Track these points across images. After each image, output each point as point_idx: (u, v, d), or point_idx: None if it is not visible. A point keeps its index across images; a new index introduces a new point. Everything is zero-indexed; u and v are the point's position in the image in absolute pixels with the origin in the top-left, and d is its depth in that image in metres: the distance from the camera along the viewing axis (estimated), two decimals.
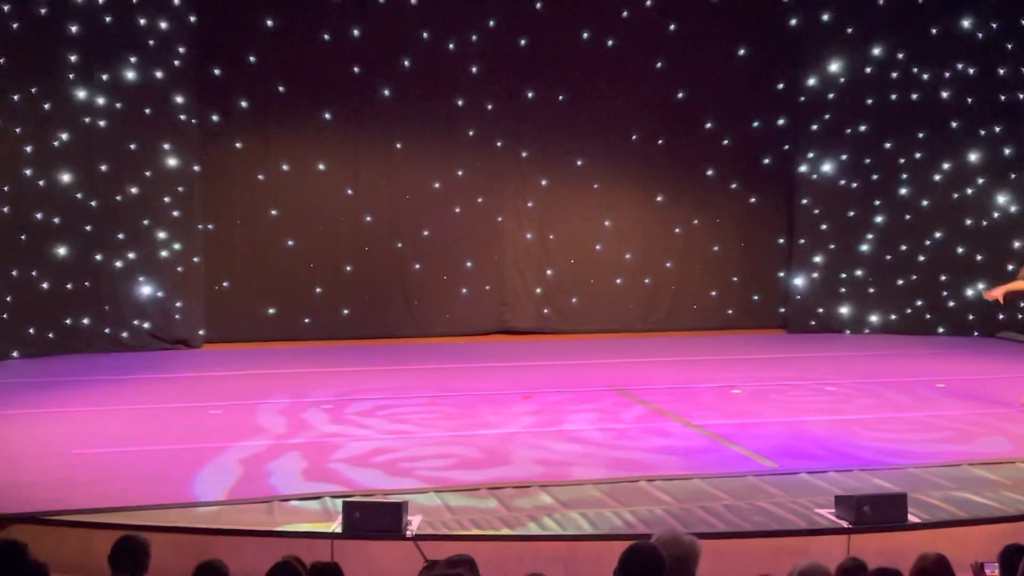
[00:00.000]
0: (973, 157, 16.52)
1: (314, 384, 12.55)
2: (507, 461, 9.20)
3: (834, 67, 16.73)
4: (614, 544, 4.56)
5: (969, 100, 16.48)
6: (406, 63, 15.98)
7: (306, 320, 16.03)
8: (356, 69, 15.85)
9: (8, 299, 14.20)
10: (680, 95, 16.76)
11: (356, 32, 15.82)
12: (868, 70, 16.66)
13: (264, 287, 15.95)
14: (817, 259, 17.06)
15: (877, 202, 16.87)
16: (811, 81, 16.84)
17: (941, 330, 16.73)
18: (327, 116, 15.87)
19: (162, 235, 15.19)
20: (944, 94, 16.53)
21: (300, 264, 15.94)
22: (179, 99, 15.13)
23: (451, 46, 16.11)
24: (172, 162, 15.18)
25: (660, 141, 16.79)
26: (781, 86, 16.98)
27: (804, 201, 17.08)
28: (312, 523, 7.38)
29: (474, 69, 16.19)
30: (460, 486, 8.36)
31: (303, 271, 15.95)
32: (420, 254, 16.34)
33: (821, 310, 17.10)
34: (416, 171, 16.25)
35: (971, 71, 16.42)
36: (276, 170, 15.87)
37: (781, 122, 17.10)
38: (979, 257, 16.52)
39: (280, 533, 7.18)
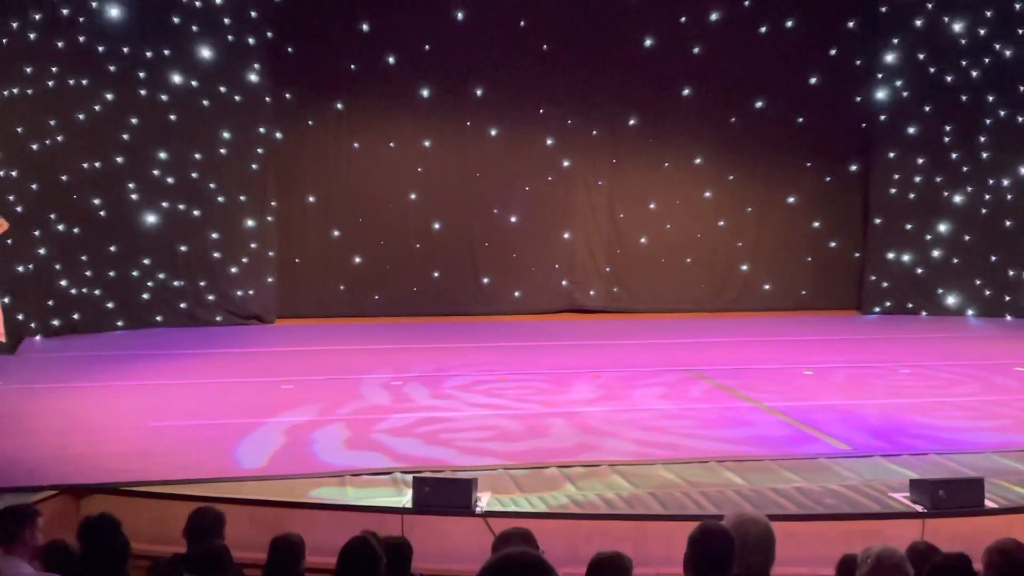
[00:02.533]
0: None
1: (383, 361, 12.63)
2: (574, 440, 9.19)
3: (911, 43, 16.37)
4: (684, 525, 4.53)
5: None
6: (427, 47, 15.94)
7: (376, 297, 16.14)
8: (438, 48, 15.86)
9: (111, 274, 14.57)
10: (755, 73, 16.51)
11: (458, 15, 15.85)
12: (947, 47, 16.28)
13: (335, 264, 16.09)
14: (893, 240, 16.76)
15: (956, 182, 16.51)
16: (889, 58, 16.51)
17: (1020, 312, 16.35)
18: (425, 94, 15.89)
19: (236, 212, 15.37)
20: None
21: (371, 241, 16.04)
22: (253, 76, 15.27)
23: (522, 23, 16.04)
24: (246, 139, 15.34)
25: (733, 119, 16.59)
26: (859, 63, 16.67)
27: (881, 180, 16.77)
28: (384, 498, 7.44)
29: (545, 47, 16.13)
30: (530, 464, 8.37)
31: (374, 248, 16.05)
32: (490, 232, 16.35)
33: (897, 291, 16.81)
34: (487, 149, 16.25)
35: None
36: (348, 147, 15.98)
37: (858, 99, 16.78)
38: None
39: (352, 507, 7.25)
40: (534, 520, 7.01)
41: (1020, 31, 16.12)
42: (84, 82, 14.19)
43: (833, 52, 16.56)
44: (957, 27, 16.23)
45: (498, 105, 16.13)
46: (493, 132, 16.22)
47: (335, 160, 15.98)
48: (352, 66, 15.75)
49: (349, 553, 4.84)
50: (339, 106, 15.88)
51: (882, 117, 16.68)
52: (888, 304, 16.81)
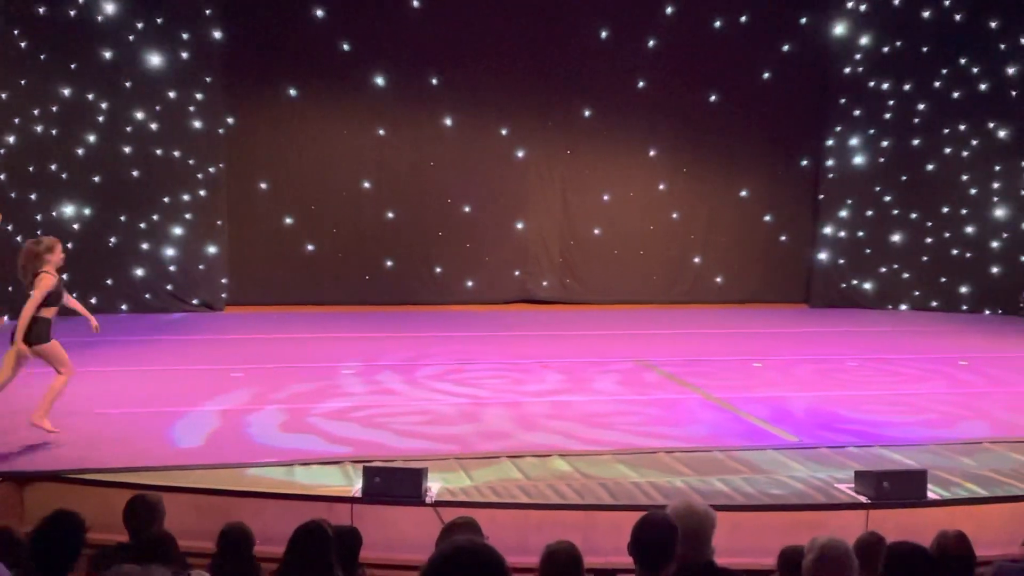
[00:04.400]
0: (1002, 134, 16.37)
1: (342, 349, 12.58)
2: (526, 429, 9.22)
3: (865, 40, 16.57)
4: (632, 515, 4.56)
5: (1010, 71, 16.32)
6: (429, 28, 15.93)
7: (328, 285, 16.06)
8: (395, 39, 15.79)
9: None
10: (709, 67, 16.61)
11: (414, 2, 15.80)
12: (899, 44, 16.48)
13: (287, 252, 15.99)
14: (842, 235, 16.97)
15: (903, 177, 16.74)
16: (841, 53, 16.68)
17: (964, 307, 16.64)
18: (380, 82, 15.80)
19: (186, 198, 15.24)
20: (974, 70, 16.36)
21: (323, 229, 15.96)
22: (208, 66, 15.13)
23: (479, 12, 16.01)
24: (197, 125, 15.20)
25: (688, 114, 16.68)
26: (812, 62, 16.81)
27: (831, 176, 16.97)
28: (332, 487, 7.42)
29: (504, 37, 16.10)
30: (480, 454, 8.39)
31: (327, 236, 15.97)
32: (443, 221, 16.33)
33: (844, 285, 17.03)
34: (441, 140, 16.22)
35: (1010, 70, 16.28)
36: (301, 134, 15.87)
37: (810, 97, 16.93)
38: (1005, 235, 16.41)
39: (301, 496, 7.22)
40: (484, 510, 7.02)
41: (993, 24, 16.36)
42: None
43: (786, 48, 16.68)
44: (905, 32, 16.45)
45: (453, 95, 16.09)
46: (448, 122, 16.18)
47: (287, 147, 15.87)
48: (306, 53, 15.63)
49: (300, 536, 4.81)
50: (292, 92, 15.76)
51: (834, 115, 16.86)
52: (835, 299, 17.00)
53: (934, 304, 16.65)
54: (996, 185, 16.55)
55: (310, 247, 15.95)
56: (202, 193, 15.33)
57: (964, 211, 16.65)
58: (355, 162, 16.01)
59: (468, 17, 15.94)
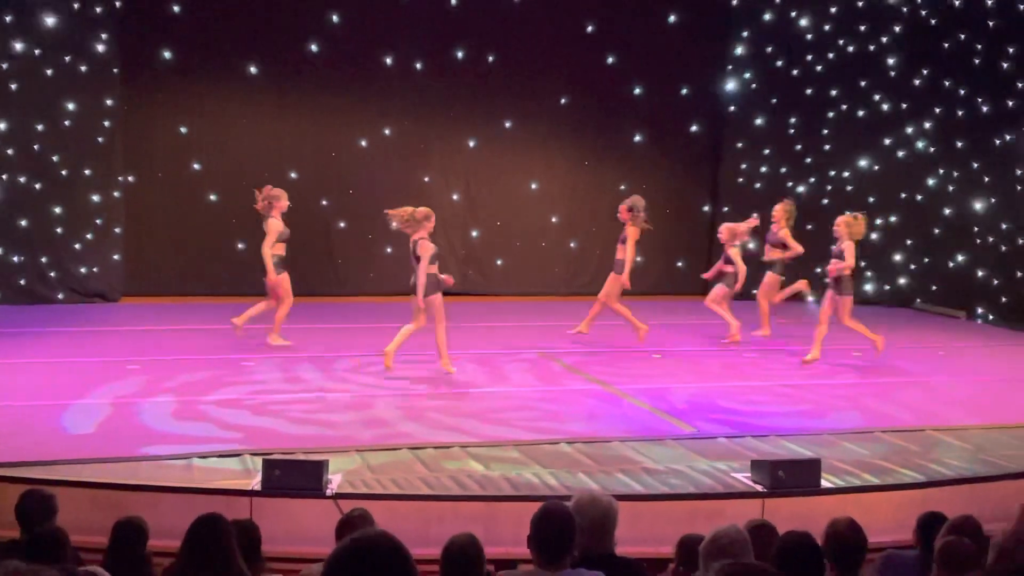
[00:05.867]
0: (896, 129, 16.82)
1: (243, 340, 12.41)
2: (427, 421, 9.21)
3: (761, 36, 16.88)
4: (534, 505, 4.59)
5: (892, 73, 16.77)
6: (335, 18, 15.75)
7: (227, 276, 15.80)
8: (283, 23, 15.59)
9: None
10: (610, 60, 16.76)
11: None
12: (795, 40, 16.83)
13: (185, 242, 15.70)
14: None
15: (801, 171, 17.12)
16: (739, 50, 16.97)
17: (859, 300, 17.04)
18: (253, 70, 15.60)
19: (81, 186, 14.86)
20: (870, 65, 16.79)
21: (222, 219, 15.70)
22: (100, 46, 14.76)
23: (380, 2, 15.91)
24: (92, 112, 14.82)
25: (588, 106, 16.79)
26: (710, 54, 17.06)
27: (729, 169, 17.26)
28: (231, 480, 7.33)
29: (403, 27, 16.01)
30: (381, 446, 8.36)
31: (226, 226, 15.71)
32: (345, 212, 16.19)
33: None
34: (342, 129, 16.08)
35: (896, 44, 16.71)
36: (199, 123, 15.58)
37: (709, 90, 17.19)
38: (898, 228, 16.87)
39: (199, 489, 7.12)
40: (386, 502, 7.01)
41: (862, 27, 16.77)
42: None
43: (686, 46, 16.89)
44: (803, 22, 16.80)
45: (355, 85, 15.94)
46: (349, 112, 16.03)
47: (186, 135, 15.56)
48: (205, 39, 15.34)
49: (197, 530, 4.74)
50: (191, 79, 15.45)
51: (731, 108, 17.15)
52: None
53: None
54: (896, 189, 16.96)
55: (208, 237, 15.67)
56: (89, 174, 14.90)
57: (860, 205, 17.02)
58: (255, 151, 15.76)
59: (372, 1, 15.83)
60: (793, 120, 17.07)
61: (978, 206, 16.59)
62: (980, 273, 16.43)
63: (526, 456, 8.20)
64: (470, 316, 14.79)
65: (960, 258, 16.57)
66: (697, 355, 12.51)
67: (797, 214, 14.08)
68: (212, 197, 15.64)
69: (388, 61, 16.03)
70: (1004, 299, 16.32)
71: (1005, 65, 16.30)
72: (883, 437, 9.12)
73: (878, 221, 16.99)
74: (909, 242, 16.97)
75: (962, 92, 16.54)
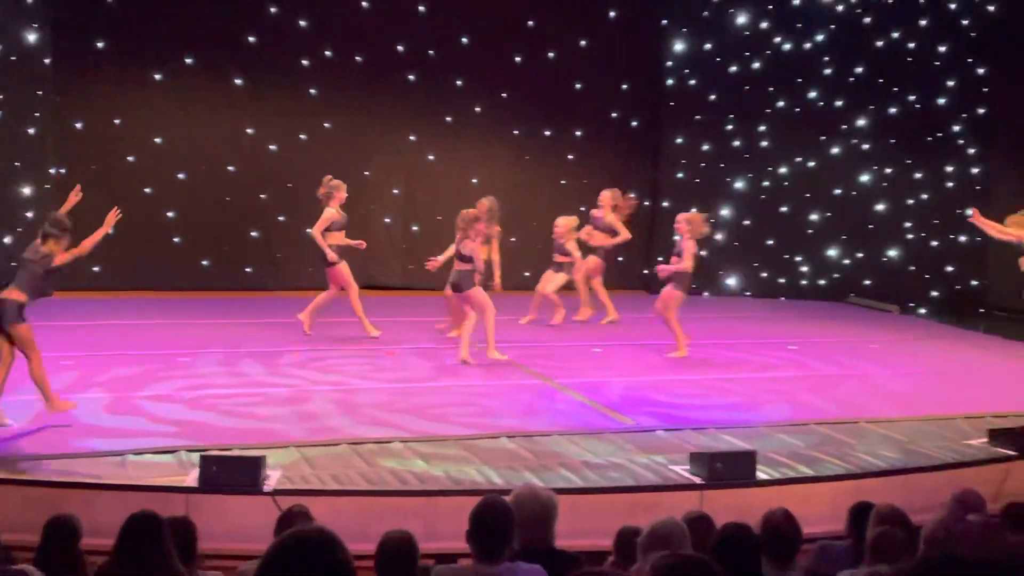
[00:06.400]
0: (829, 127, 17.07)
1: (180, 335, 12.26)
2: (366, 416, 9.18)
3: (698, 33, 17.02)
4: (474, 500, 4.60)
5: (827, 72, 17.01)
6: (273, 10, 15.61)
7: (165, 271, 15.60)
8: (221, 14, 15.41)
9: None
10: (550, 55, 16.79)
11: None
12: (731, 37, 17.00)
13: (121, 235, 15.44)
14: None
15: (738, 167, 17.29)
16: (677, 46, 17.10)
17: (794, 294, 17.27)
18: (189, 61, 15.41)
19: (10, 178, 14.58)
20: (804, 64, 17.02)
21: (159, 212, 15.49)
22: (31, 36, 14.49)
23: None
24: (22, 103, 14.54)
25: (529, 101, 16.81)
26: (650, 50, 17.16)
27: (668, 165, 17.39)
28: (167, 477, 7.25)
29: (344, 21, 15.90)
30: (320, 441, 8.31)
31: (162, 220, 15.51)
32: (285, 206, 16.05)
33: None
34: (283, 122, 15.93)
35: (829, 42, 16.94)
36: (133, 115, 15.35)
37: (649, 86, 17.29)
38: (832, 224, 17.13)
39: (133, 487, 7.02)
40: (325, 498, 6.97)
41: (798, 25, 16.98)
42: None
43: (626, 42, 16.98)
44: (741, 19, 16.96)
45: (296, 78, 15.81)
46: (289, 105, 15.89)
47: (120, 127, 15.33)
48: (140, 31, 15.12)
49: (131, 527, 4.67)
50: (125, 70, 15.21)
51: (671, 104, 17.28)
52: None
53: (772, 291, 17.23)
54: (830, 181, 17.22)
55: (145, 231, 15.43)
56: (19, 166, 14.62)
57: (795, 201, 17.26)
58: (192, 143, 15.57)
59: None
60: (731, 116, 17.22)
61: (910, 201, 16.91)
62: (912, 268, 16.74)
63: (466, 451, 8.20)
64: (412, 311, 14.75)
65: (893, 253, 16.86)
66: (635, 349, 12.59)
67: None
68: (147, 190, 15.42)
69: (328, 54, 15.91)
70: (935, 293, 16.65)
71: (936, 63, 16.63)
72: (817, 429, 9.24)
73: (814, 217, 17.26)
74: (843, 237, 17.21)
75: (895, 89, 16.83)
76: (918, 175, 16.90)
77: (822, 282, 17.25)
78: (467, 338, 11.37)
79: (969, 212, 12.16)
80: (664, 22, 17.15)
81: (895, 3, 16.69)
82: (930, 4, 16.68)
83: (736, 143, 17.26)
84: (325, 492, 7.12)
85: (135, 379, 10.14)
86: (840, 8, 16.87)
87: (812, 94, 17.08)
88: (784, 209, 17.26)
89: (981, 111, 16.73)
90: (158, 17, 15.19)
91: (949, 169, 16.85)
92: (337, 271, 12.33)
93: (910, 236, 16.94)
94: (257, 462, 7.04)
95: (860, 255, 17.15)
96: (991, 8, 16.40)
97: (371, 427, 8.83)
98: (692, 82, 17.14)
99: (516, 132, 16.91)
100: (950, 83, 16.71)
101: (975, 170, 16.80)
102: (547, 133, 17.03)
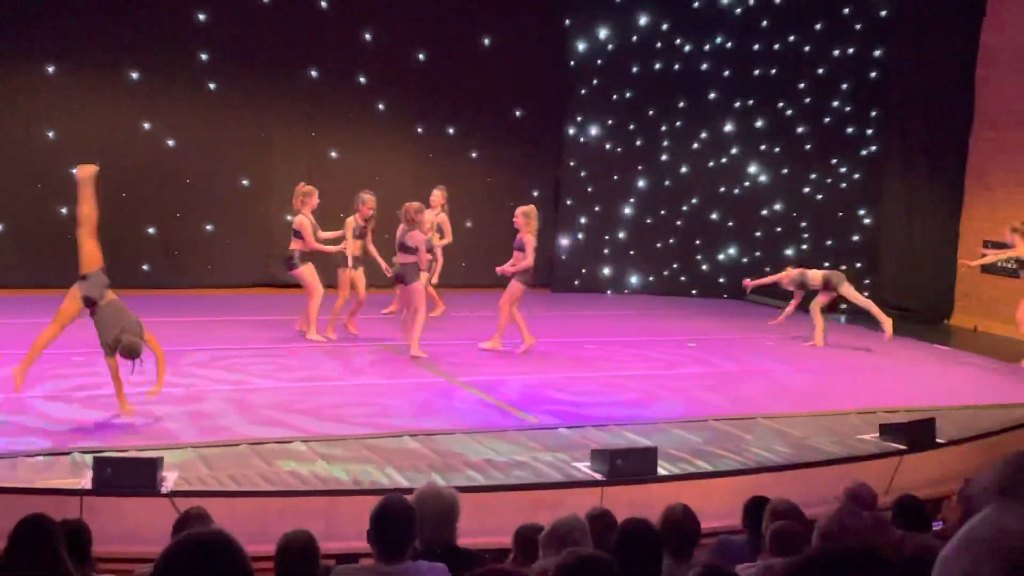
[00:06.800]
0: (728, 127, 17.38)
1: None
2: (266, 416, 9.07)
3: (602, 34, 17.17)
4: (376, 499, 4.58)
5: (726, 73, 17.31)
6: (170, 2, 15.30)
7: (56, 268, 15.17)
8: (116, 6, 15.06)
9: None
10: (454, 53, 16.77)
11: None
12: (634, 38, 17.19)
13: (12, 232, 15.05)
14: (582, 220, 17.55)
15: (640, 167, 17.50)
16: (580, 46, 17.22)
17: (695, 292, 17.55)
18: (83, 55, 15.02)
19: None
20: (704, 66, 17.29)
21: (52, 209, 15.08)
22: None
23: None
24: None
25: (434, 99, 16.76)
26: (551, 50, 17.25)
27: (571, 163, 17.51)
28: (60, 479, 7.08)
29: (244, 13, 15.66)
30: (218, 442, 8.19)
31: (55, 217, 15.10)
32: (182, 203, 15.76)
33: (584, 270, 17.62)
34: (182, 118, 15.63)
35: (728, 45, 17.24)
36: (24, 108, 14.92)
37: (551, 85, 17.38)
38: (731, 223, 17.45)
39: (25, 490, 6.84)
40: (224, 499, 6.87)
41: (699, 27, 17.23)
42: None
43: (528, 44, 17.04)
44: (643, 20, 17.16)
45: (196, 74, 15.52)
46: (189, 101, 15.60)
47: (9, 121, 14.89)
48: (28, 20, 14.70)
49: (21, 531, 4.54)
50: (14, 62, 14.77)
51: (574, 102, 17.39)
52: (576, 283, 17.58)
53: (676, 289, 17.45)
54: (725, 177, 17.54)
55: (37, 228, 15.03)
56: None
57: (695, 200, 17.54)
58: (88, 140, 15.18)
59: None
60: (634, 116, 17.39)
61: (806, 200, 17.31)
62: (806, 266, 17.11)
63: (369, 451, 8.15)
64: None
65: (789, 252, 17.22)
66: (538, 347, 12.65)
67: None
68: (39, 186, 15.00)
69: (228, 48, 15.64)
70: None
71: (831, 66, 17.04)
72: (715, 425, 9.40)
73: (714, 216, 17.55)
74: (739, 237, 17.53)
75: (791, 91, 17.20)
76: (813, 175, 17.30)
77: (722, 280, 17.54)
78: (418, 333, 11.48)
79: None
80: (567, 22, 17.25)
81: (792, 6, 17.04)
82: (826, 8, 17.06)
83: (638, 142, 17.45)
84: (224, 493, 7.02)
85: (27, 378, 9.86)
86: (739, 11, 17.16)
87: (712, 95, 17.36)
88: (685, 208, 17.52)
89: (874, 113, 17.16)
90: (51, 9, 14.79)
91: (843, 169, 17.27)
92: (300, 272, 12.23)
93: (805, 235, 17.35)
94: (154, 463, 6.92)
95: (758, 253, 17.48)
96: (883, 13, 16.82)
97: (269, 427, 8.72)
98: (595, 82, 17.27)
99: (420, 130, 16.85)
100: (844, 85, 17.12)
101: (868, 171, 17.23)
102: (451, 131, 17.00)
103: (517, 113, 17.31)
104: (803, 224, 17.36)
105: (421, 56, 16.66)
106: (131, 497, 6.78)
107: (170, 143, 15.61)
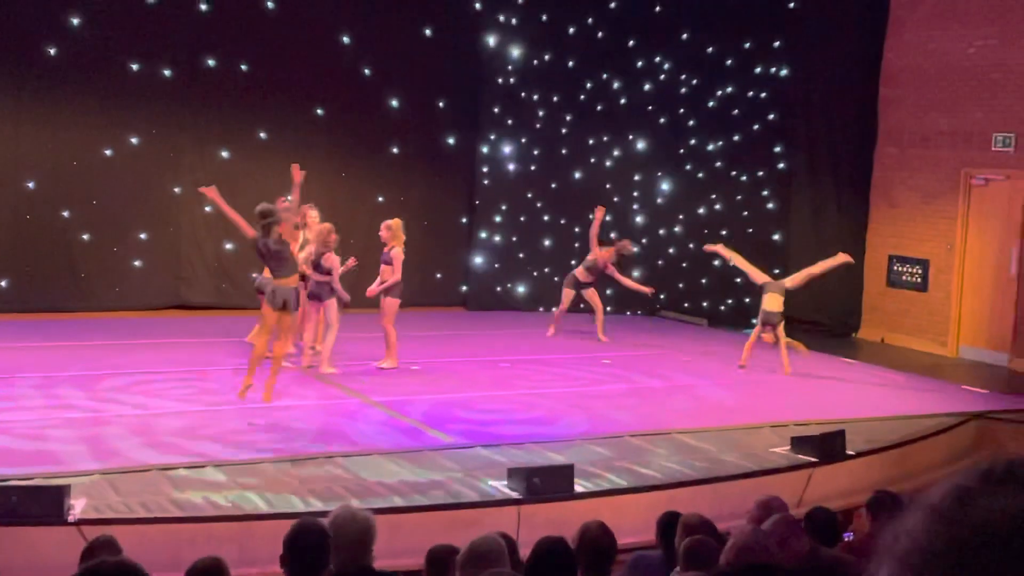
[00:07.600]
0: (640, 146, 17.57)
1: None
2: (174, 442, 8.91)
3: (516, 53, 17.24)
4: (290, 523, 4.52)
5: (645, 87, 17.50)
6: (75, 21, 15.02)
7: None
8: (19, 23, 14.73)
9: None
10: (367, 71, 16.70)
11: None
12: (547, 57, 17.29)
13: None
14: (496, 239, 17.56)
15: (553, 185, 17.58)
16: (494, 64, 17.27)
17: (609, 308, 17.64)
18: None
19: None
20: (615, 84, 17.46)
21: None
22: None
23: (125, 5, 15.26)
24: None
25: (345, 117, 16.67)
26: (466, 67, 17.28)
27: (485, 182, 17.54)
28: None
29: (150, 33, 15.41)
30: (128, 468, 8.02)
31: None
32: (89, 224, 15.43)
33: (499, 288, 17.63)
34: (85, 137, 15.32)
35: (640, 64, 17.47)
36: None
37: (465, 103, 17.40)
38: (644, 240, 17.59)
39: None
40: (134, 526, 6.73)
41: (615, 22, 17.40)
42: None
43: (442, 58, 17.06)
44: (544, 16, 17.24)
45: (99, 92, 15.21)
46: (93, 120, 15.29)
47: None
48: None
49: None
50: None
51: (487, 121, 17.43)
52: (490, 302, 17.58)
53: (582, 306, 17.50)
54: (636, 194, 17.73)
55: None
56: None
57: (608, 218, 17.66)
58: None
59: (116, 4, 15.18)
60: (548, 133, 17.49)
61: (701, 211, 17.50)
62: (705, 280, 17.32)
63: (282, 475, 8.04)
64: (224, 331, 14.40)
65: (685, 264, 17.42)
66: (452, 365, 12.64)
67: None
68: None
69: (134, 67, 15.38)
70: (731, 302, 17.22)
71: (733, 66, 17.24)
72: (629, 441, 9.46)
73: (625, 233, 17.67)
74: (650, 254, 17.62)
75: (693, 96, 17.41)
76: (721, 192, 17.54)
77: (635, 296, 17.66)
78: (328, 350, 11.74)
79: None
80: (478, 33, 17.26)
81: (704, 25, 17.25)
82: (734, 4, 17.16)
83: (550, 159, 17.53)
84: (133, 520, 6.87)
85: None
86: (645, 13, 17.33)
87: (623, 100, 17.50)
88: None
89: (772, 116, 17.32)
90: None
91: (752, 186, 17.53)
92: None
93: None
94: (61, 491, 6.75)
95: (660, 262, 17.61)
96: (792, 5, 17.04)
97: (179, 454, 8.56)
98: (509, 99, 17.33)
99: (331, 148, 16.72)
100: (750, 93, 17.34)
101: (776, 187, 17.50)
102: (364, 149, 16.91)
103: (430, 130, 17.24)
104: (705, 231, 17.47)
105: (332, 75, 16.54)
106: (37, 526, 6.61)
107: (74, 163, 15.28)
